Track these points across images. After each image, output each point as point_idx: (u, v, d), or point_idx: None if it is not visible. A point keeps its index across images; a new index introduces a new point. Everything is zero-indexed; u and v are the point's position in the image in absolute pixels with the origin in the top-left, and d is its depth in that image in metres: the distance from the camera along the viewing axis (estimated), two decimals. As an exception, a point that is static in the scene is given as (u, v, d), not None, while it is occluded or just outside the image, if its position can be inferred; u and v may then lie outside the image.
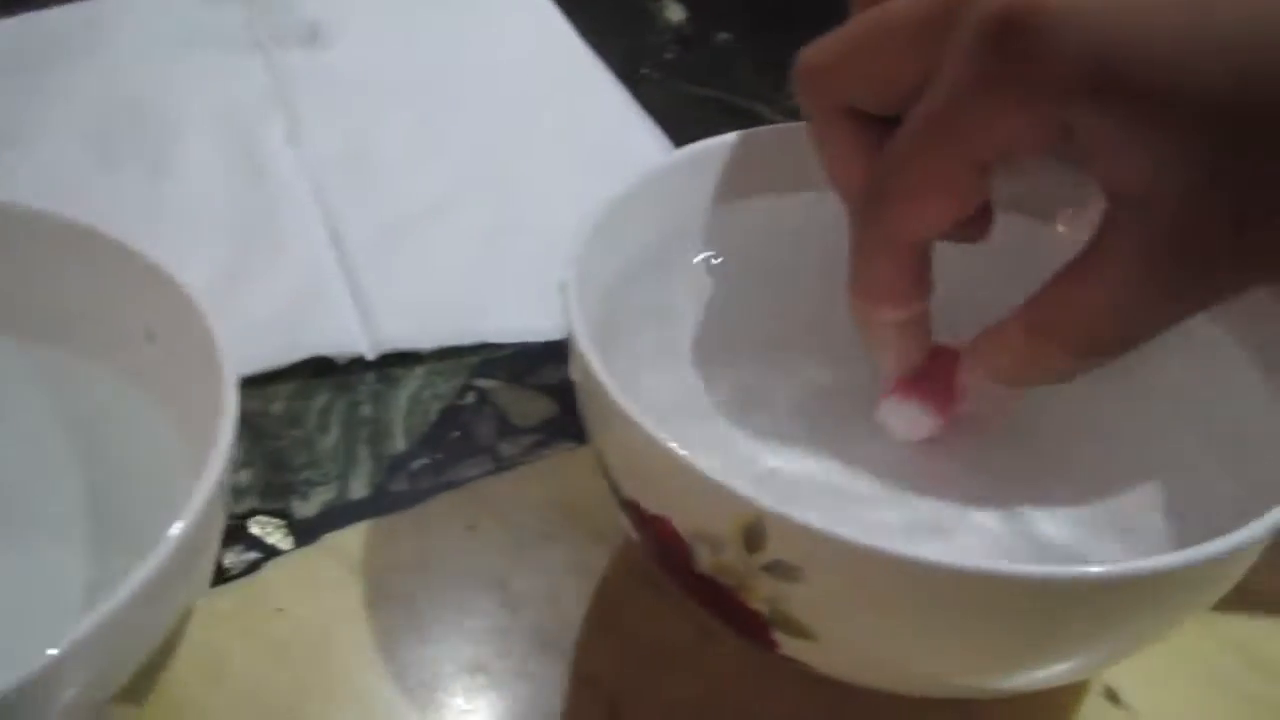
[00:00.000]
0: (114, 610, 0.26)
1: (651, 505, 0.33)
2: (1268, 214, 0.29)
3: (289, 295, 0.50)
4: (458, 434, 0.46)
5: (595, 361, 0.33)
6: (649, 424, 0.32)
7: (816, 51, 0.35)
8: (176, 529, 0.28)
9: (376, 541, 0.42)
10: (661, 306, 0.41)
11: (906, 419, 0.39)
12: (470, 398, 0.47)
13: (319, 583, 0.40)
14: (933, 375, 0.38)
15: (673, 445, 0.31)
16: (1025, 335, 0.33)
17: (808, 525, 0.29)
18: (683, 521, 0.32)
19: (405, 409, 0.47)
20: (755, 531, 0.30)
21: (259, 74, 0.64)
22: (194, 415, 0.34)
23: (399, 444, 0.45)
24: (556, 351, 0.49)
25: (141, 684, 0.30)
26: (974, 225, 0.36)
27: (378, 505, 0.43)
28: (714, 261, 0.42)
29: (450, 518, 0.43)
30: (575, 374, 0.35)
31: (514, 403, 0.47)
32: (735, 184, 0.42)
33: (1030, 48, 0.29)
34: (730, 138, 0.42)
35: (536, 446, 0.46)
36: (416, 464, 0.45)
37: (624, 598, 0.41)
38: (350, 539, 0.42)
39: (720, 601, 0.34)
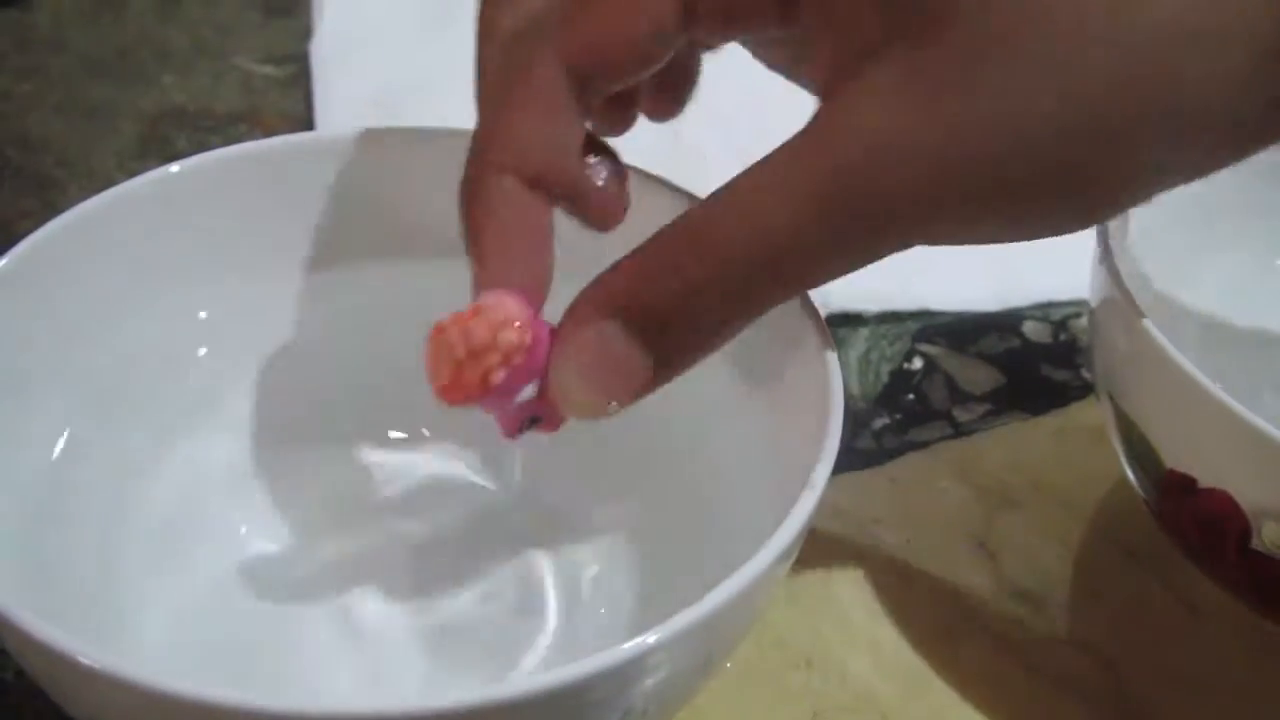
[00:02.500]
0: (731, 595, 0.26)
1: (1210, 479, 0.34)
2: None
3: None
4: (912, 397, 0.47)
5: (1155, 329, 0.34)
6: (1230, 398, 0.32)
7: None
8: (789, 528, 0.28)
9: (856, 495, 0.43)
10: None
11: None
12: (917, 362, 0.48)
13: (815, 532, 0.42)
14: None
15: (1260, 422, 0.32)
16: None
17: None
18: (1252, 497, 0.33)
19: (857, 369, 0.48)
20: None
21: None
22: (761, 366, 0.35)
23: (858, 403, 0.47)
24: (993, 322, 0.50)
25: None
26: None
27: (850, 460, 0.44)
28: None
29: (921, 477, 0.44)
30: (1123, 342, 0.36)
31: (960, 370, 0.48)
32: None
33: None
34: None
35: (989, 415, 0.47)
36: (878, 423, 0.46)
37: (1105, 567, 0.42)
38: (831, 490, 0.43)
39: (1267, 578, 0.34)
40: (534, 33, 0.29)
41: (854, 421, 0.46)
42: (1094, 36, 0.25)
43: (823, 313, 0.47)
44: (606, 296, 0.27)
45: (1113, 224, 0.38)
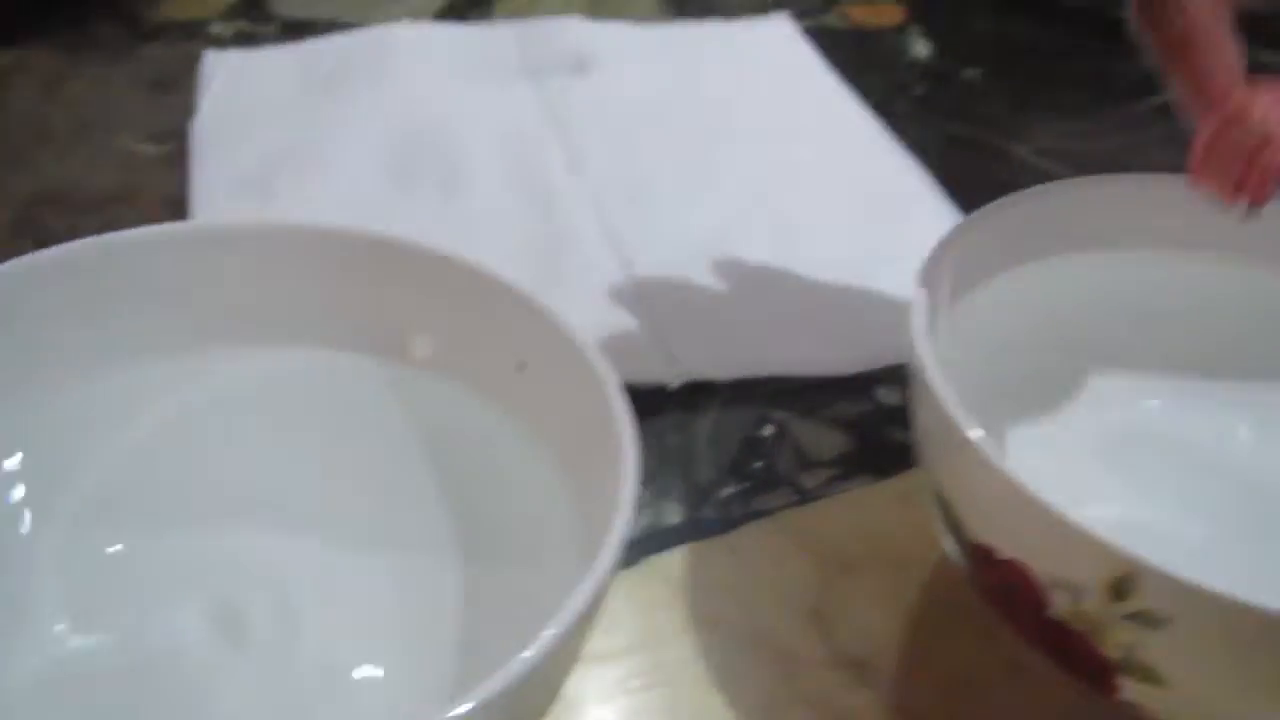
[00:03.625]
0: (528, 668, 0.27)
1: (1006, 550, 0.35)
2: None
3: (589, 323, 0.52)
4: (760, 464, 0.48)
5: (951, 402, 0.35)
6: (1015, 473, 0.33)
7: None
8: (584, 589, 0.29)
9: (694, 566, 0.44)
10: (1006, 341, 0.43)
11: None
12: (768, 429, 0.49)
13: (642, 604, 0.43)
14: None
15: (1043, 498, 0.33)
16: None
17: (1185, 580, 0.31)
18: (1042, 569, 0.34)
19: (706, 438, 0.49)
20: (1125, 583, 0.32)
21: (532, 103, 0.67)
22: (571, 444, 0.36)
23: (707, 472, 0.47)
24: (846, 386, 0.51)
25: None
26: None
27: (692, 531, 0.45)
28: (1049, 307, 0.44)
29: (761, 546, 0.45)
30: (924, 414, 0.37)
31: (809, 435, 0.49)
32: (1059, 232, 0.43)
33: None
34: (1052, 186, 0.43)
35: (836, 479, 0.47)
36: (724, 492, 0.47)
37: (934, 630, 0.42)
38: (670, 562, 0.44)
39: (1064, 645, 0.35)
40: None
41: (699, 492, 0.47)
42: None
43: (676, 382, 0.48)
44: None
45: (926, 290, 0.39)
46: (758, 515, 0.46)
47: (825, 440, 0.49)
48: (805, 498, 0.47)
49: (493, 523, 0.39)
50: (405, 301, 0.40)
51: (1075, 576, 0.33)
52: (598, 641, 0.40)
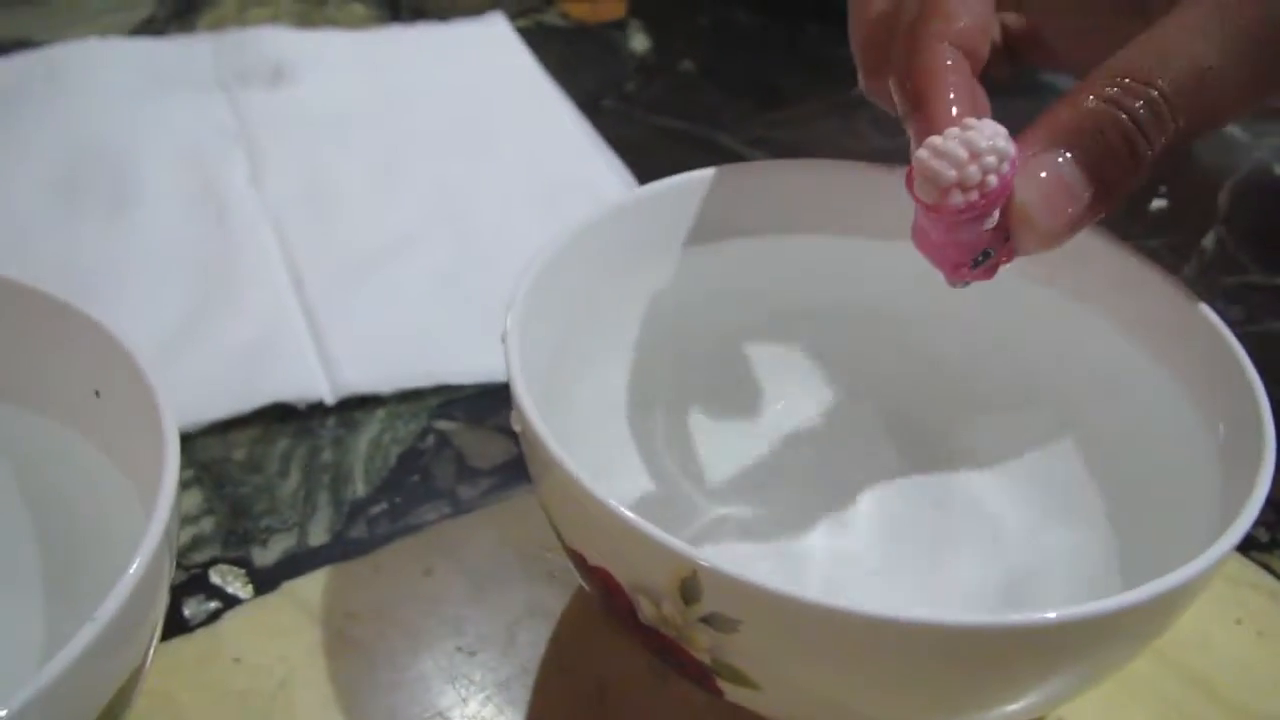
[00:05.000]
0: (64, 668, 0.27)
1: (593, 556, 0.34)
2: None
3: (251, 340, 0.51)
4: (417, 478, 0.46)
5: (533, 413, 0.34)
6: (585, 478, 0.32)
7: None
8: (120, 589, 0.28)
9: (335, 588, 0.42)
10: (610, 353, 0.42)
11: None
12: (430, 440, 0.48)
13: (277, 631, 0.41)
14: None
15: (608, 500, 0.31)
16: (1110, 93, 0.31)
17: (741, 578, 0.30)
18: (622, 574, 0.33)
19: (365, 454, 0.47)
20: (691, 585, 0.31)
21: (223, 115, 0.64)
22: (142, 470, 0.34)
23: (358, 489, 0.46)
24: (515, 392, 0.50)
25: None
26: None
27: (337, 551, 0.43)
28: (664, 307, 0.43)
29: (407, 563, 0.43)
30: (516, 424, 0.35)
31: (473, 444, 0.48)
32: (689, 226, 0.42)
33: None
34: (680, 179, 0.42)
35: (495, 489, 0.46)
36: (375, 509, 0.45)
37: (580, 640, 0.41)
38: (309, 586, 0.42)
39: (666, 650, 0.34)
40: None
41: (350, 511, 0.45)
42: None
43: (333, 398, 0.47)
44: (1056, 129, 0.31)
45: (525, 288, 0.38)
46: (408, 531, 0.44)
47: (487, 449, 0.48)
48: (460, 509, 0.45)
49: (78, 555, 0.37)
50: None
51: (649, 581, 0.32)
52: (222, 673, 0.39)
